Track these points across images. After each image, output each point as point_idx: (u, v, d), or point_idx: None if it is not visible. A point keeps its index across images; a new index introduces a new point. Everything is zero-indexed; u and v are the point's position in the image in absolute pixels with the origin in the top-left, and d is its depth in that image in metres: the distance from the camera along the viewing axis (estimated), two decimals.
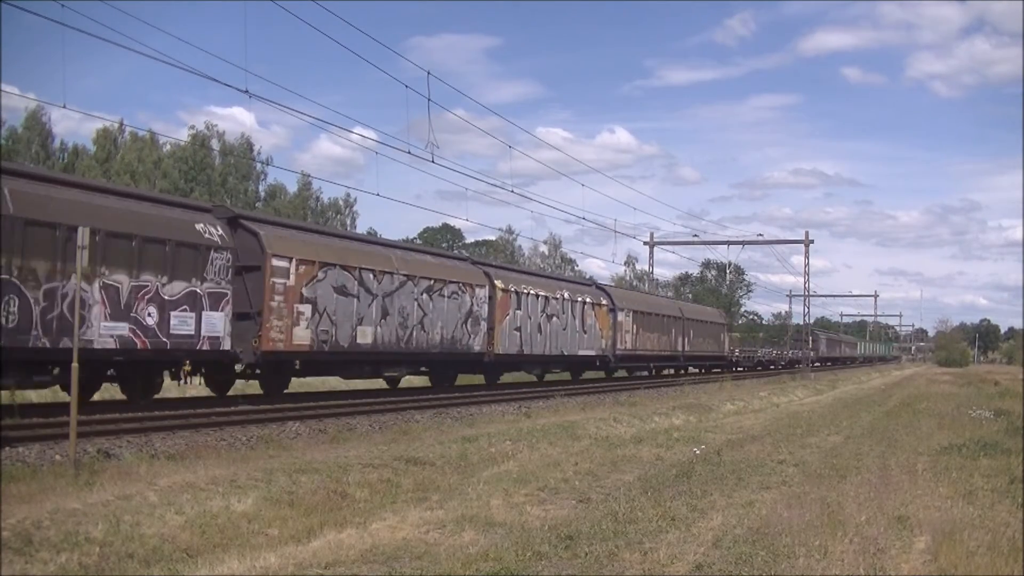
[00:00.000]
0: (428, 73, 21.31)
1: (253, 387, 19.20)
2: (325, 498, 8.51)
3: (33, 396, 15.90)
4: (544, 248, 79.80)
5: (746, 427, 17.27)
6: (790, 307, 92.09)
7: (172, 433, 12.93)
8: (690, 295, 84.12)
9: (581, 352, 30.26)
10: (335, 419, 15.96)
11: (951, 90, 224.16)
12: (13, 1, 13.43)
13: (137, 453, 11.10)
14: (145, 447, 11.72)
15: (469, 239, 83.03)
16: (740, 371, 51.55)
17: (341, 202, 66.94)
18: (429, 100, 21.42)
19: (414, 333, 21.02)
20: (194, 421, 14.05)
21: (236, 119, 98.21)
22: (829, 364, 75.34)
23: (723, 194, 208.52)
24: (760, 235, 59.67)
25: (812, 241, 56.94)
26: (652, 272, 60.97)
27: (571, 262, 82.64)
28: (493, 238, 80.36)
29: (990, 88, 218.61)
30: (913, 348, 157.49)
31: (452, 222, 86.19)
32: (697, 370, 46.16)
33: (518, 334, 25.80)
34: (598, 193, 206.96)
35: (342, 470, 9.71)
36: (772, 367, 60.22)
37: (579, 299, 30.21)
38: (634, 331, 34.46)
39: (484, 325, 23.99)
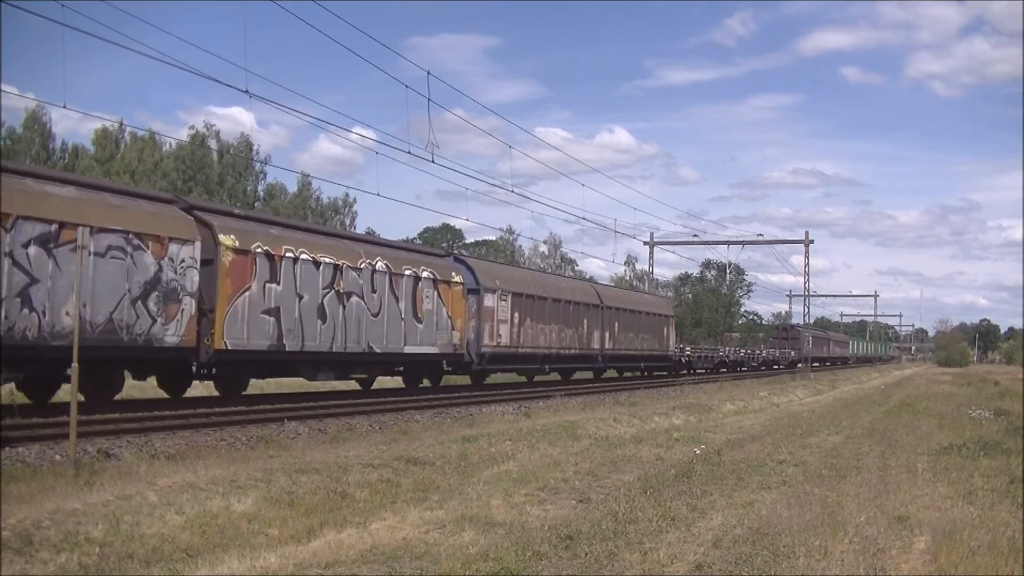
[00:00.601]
0: (428, 73, 21.26)
1: None
2: (325, 498, 8.51)
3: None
4: (544, 248, 79.89)
5: (746, 427, 17.27)
6: (790, 307, 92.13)
7: (172, 433, 12.93)
8: (690, 295, 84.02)
9: (410, 349, 21.20)
10: (335, 419, 15.96)
11: (950, 90, 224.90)
12: (13, 1, 13.43)
13: (137, 453, 11.10)
14: (145, 447, 11.72)
15: (469, 239, 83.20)
16: (694, 375, 43.35)
17: (340, 202, 67.07)
18: (429, 100, 21.35)
19: (4, 313, 12.67)
20: (194, 421, 14.06)
21: (236, 119, 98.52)
22: (816, 365, 65.52)
23: (722, 194, 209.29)
24: (760, 235, 59.69)
25: (812, 241, 57.05)
26: (652, 272, 61.08)
27: (571, 262, 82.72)
28: (493, 238, 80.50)
29: (989, 88, 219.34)
30: (913, 348, 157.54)
31: (452, 222, 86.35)
32: (639, 374, 38.48)
33: (271, 320, 17.00)
34: (598, 193, 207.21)
35: (342, 470, 9.71)
36: (743, 369, 52.93)
37: (407, 272, 21.01)
38: (514, 321, 25.77)
39: (190, 304, 15.34)
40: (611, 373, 36.68)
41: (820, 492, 8.92)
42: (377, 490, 9.12)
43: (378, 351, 20.13)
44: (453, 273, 23.32)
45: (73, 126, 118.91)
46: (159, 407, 15.34)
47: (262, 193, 64.03)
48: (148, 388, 18.18)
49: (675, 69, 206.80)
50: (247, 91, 17.13)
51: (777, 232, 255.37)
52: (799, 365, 60.16)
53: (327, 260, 18.58)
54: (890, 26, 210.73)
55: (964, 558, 6.38)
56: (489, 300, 24.74)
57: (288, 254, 17.54)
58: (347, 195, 68.27)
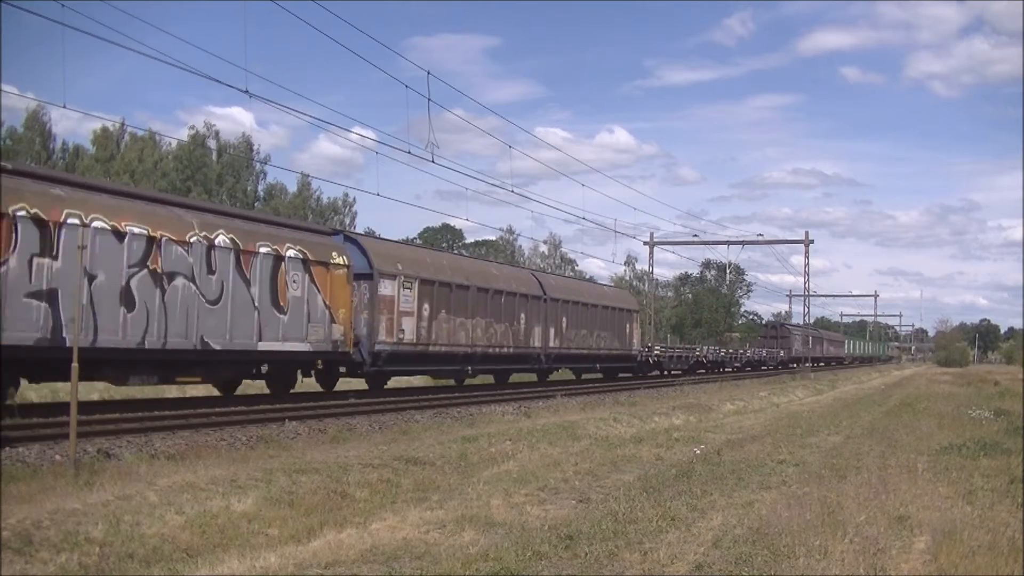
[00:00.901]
0: (428, 73, 21.26)
1: None
2: (325, 498, 8.52)
3: (33, 396, 15.90)
4: (544, 248, 79.94)
5: (746, 427, 17.27)
6: (790, 307, 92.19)
7: (172, 433, 12.94)
8: (690, 295, 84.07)
9: (267, 346, 17.03)
10: (335, 419, 15.97)
11: (950, 90, 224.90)
12: (13, 1, 13.44)
13: (137, 453, 11.10)
14: (145, 447, 11.73)
15: (469, 239, 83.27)
16: (668, 376, 39.69)
17: (340, 202, 67.12)
18: (429, 100, 21.32)
19: None
20: (194, 421, 14.06)
21: (236, 119, 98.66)
22: (808, 365, 59.30)
23: (722, 194, 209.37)
24: (760, 235, 59.47)
25: (812, 241, 56.85)
26: (652, 272, 61.10)
27: (571, 262, 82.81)
28: (493, 238, 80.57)
29: (989, 88, 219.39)
30: (913, 348, 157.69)
31: (452, 222, 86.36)
32: (601, 376, 34.76)
33: (42, 306, 13.01)
34: (598, 193, 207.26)
35: (342, 470, 9.71)
36: (724, 370, 48.52)
37: (263, 251, 16.88)
38: (423, 313, 21.65)
39: None
40: (565, 375, 33.75)
41: (820, 492, 8.92)
42: (377, 490, 9.13)
43: (217, 348, 15.86)
44: (334, 253, 19.00)
45: (73, 126, 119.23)
46: (159, 407, 15.35)
47: (262, 193, 64.12)
48: (148, 388, 18.18)
49: (675, 69, 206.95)
50: (247, 91, 17.12)
51: (777, 232, 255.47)
52: (794, 366, 57.50)
53: (136, 230, 14.33)
54: (890, 26, 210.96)
55: (964, 558, 6.38)
56: (387, 287, 20.53)
57: (72, 220, 13.44)
58: (347, 195, 68.42)
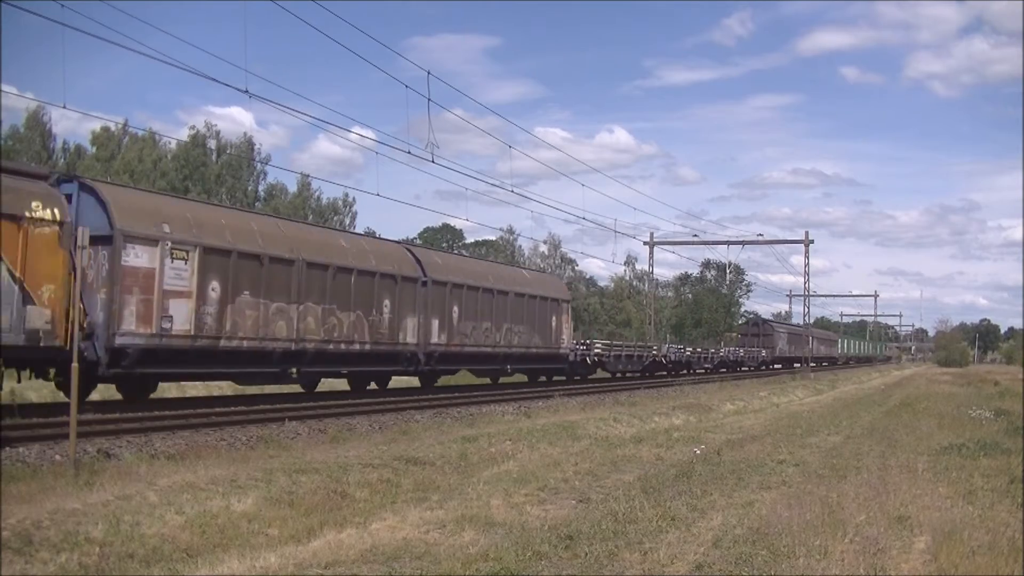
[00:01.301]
0: (428, 73, 21.20)
1: None
2: (325, 498, 8.52)
3: (33, 396, 15.90)
4: (544, 248, 79.90)
5: (746, 427, 17.27)
6: (790, 307, 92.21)
7: (172, 433, 12.95)
8: (690, 295, 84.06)
9: None
10: (335, 419, 15.98)
11: (950, 90, 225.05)
12: (13, 1, 13.44)
13: (137, 453, 11.11)
14: (145, 447, 11.73)
15: (469, 239, 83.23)
16: (623, 380, 33.56)
17: (340, 202, 67.11)
18: (429, 100, 21.25)
19: None
20: (194, 421, 14.07)
21: (235, 119, 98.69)
22: (796, 366, 54.39)
23: (722, 194, 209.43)
24: (760, 235, 59.28)
25: (812, 241, 56.68)
26: (652, 272, 61.03)
27: (571, 262, 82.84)
28: (493, 238, 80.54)
29: (989, 88, 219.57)
30: (913, 348, 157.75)
31: (452, 222, 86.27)
32: (526, 378, 29.61)
33: None
34: (598, 193, 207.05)
35: (342, 470, 9.72)
36: (688, 372, 41.69)
37: None
38: (209, 295, 15.80)
39: None
40: (468, 379, 27.63)
41: (820, 492, 8.92)
42: (377, 490, 9.13)
43: None
44: (35, 204, 12.95)
45: (73, 126, 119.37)
46: (159, 407, 15.35)
47: (262, 193, 64.16)
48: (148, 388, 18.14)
49: (675, 69, 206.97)
50: (247, 91, 17.07)
51: (777, 232, 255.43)
52: (774, 366, 53.76)
53: None
54: (889, 26, 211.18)
55: (964, 558, 6.39)
56: (139, 256, 14.69)
57: None
58: (347, 195, 68.39)
